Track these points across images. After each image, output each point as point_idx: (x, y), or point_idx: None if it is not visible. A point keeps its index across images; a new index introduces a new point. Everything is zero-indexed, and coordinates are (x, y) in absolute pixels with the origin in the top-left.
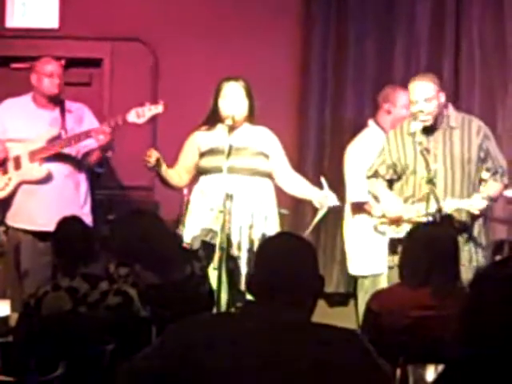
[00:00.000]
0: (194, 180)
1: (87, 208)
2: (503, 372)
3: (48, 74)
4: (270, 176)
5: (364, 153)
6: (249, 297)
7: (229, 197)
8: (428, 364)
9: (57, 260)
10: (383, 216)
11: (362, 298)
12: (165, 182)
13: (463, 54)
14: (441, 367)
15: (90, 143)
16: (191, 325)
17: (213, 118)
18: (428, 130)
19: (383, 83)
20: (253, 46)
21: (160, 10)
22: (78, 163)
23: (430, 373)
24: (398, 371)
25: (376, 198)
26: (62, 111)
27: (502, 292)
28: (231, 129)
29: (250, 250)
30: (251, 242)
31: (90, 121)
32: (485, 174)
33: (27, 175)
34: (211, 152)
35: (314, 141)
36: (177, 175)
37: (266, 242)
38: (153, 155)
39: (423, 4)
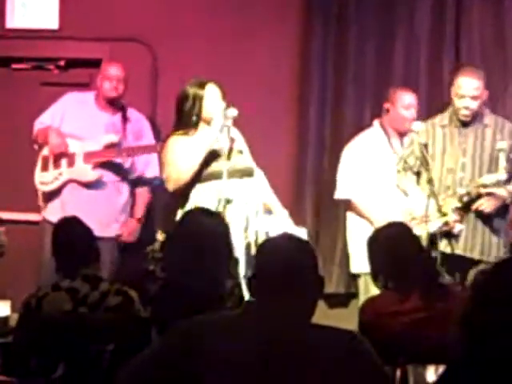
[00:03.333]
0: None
1: (122, 218)
2: (505, 373)
3: (108, 77)
4: (251, 174)
5: (359, 152)
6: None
7: (222, 201)
8: (428, 364)
9: (57, 261)
10: (413, 218)
11: (362, 297)
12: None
13: (463, 54)
14: (441, 367)
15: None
16: (191, 326)
17: (187, 123)
18: (462, 123)
19: (383, 83)
20: (252, 46)
21: (159, 11)
22: (124, 172)
23: (430, 373)
24: (398, 372)
25: (405, 193)
26: (124, 118)
27: (505, 292)
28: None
29: (247, 253)
30: (248, 245)
31: (148, 138)
32: (501, 144)
33: (78, 175)
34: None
35: (314, 141)
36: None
37: (266, 242)
38: None
39: (423, 3)
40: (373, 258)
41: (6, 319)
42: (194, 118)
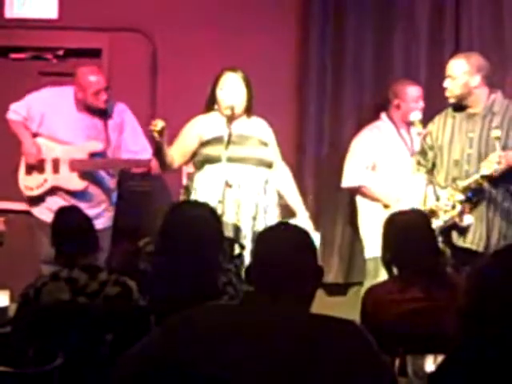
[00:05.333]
0: (186, 166)
1: (108, 210)
2: (504, 362)
3: (94, 90)
4: (270, 166)
5: (367, 143)
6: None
7: (228, 185)
8: (427, 354)
9: (56, 250)
10: None
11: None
12: (160, 157)
13: (462, 45)
14: (440, 357)
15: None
16: (190, 317)
17: (210, 107)
18: (468, 114)
19: (383, 74)
20: (252, 37)
21: (159, 1)
22: (110, 181)
23: (429, 363)
24: (397, 361)
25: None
26: (104, 116)
27: (501, 282)
28: (230, 119)
29: (253, 241)
30: (254, 233)
31: (131, 128)
32: (496, 132)
33: (64, 183)
34: (216, 141)
35: (314, 132)
36: (170, 156)
37: (264, 232)
38: (158, 124)
39: None
40: (384, 242)
41: (4, 309)
42: (208, 103)
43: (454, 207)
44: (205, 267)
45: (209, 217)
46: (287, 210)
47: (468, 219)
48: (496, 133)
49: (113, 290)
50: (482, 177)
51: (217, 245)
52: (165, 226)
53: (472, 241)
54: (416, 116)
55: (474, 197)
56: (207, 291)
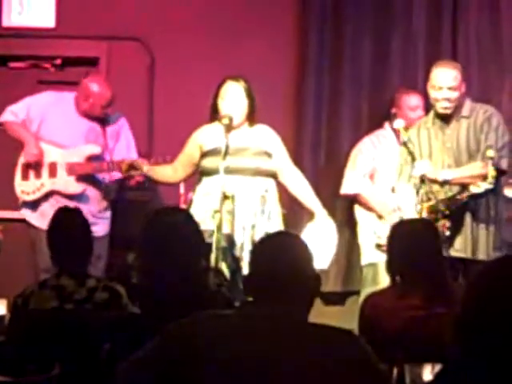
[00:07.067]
0: (191, 178)
1: (104, 215)
2: (503, 372)
3: (101, 105)
4: (273, 175)
5: (365, 152)
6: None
7: (226, 197)
8: (425, 363)
9: (53, 258)
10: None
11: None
12: (154, 181)
13: (460, 52)
14: (438, 366)
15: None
16: (188, 326)
17: (213, 117)
18: (444, 122)
19: (380, 81)
20: (250, 45)
21: (157, 10)
22: (105, 184)
23: (427, 372)
24: (395, 370)
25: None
26: (103, 124)
27: (502, 291)
28: (229, 129)
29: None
30: (254, 243)
31: (125, 141)
32: (490, 152)
33: (62, 187)
34: (213, 152)
35: (311, 139)
36: (171, 170)
37: (262, 241)
38: (123, 166)
39: (420, 1)
40: (389, 250)
41: (1, 318)
42: (211, 113)
43: (437, 220)
44: (188, 271)
45: (184, 221)
46: (306, 214)
47: (447, 232)
48: (489, 153)
49: (101, 297)
50: (471, 195)
51: (196, 248)
52: (142, 236)
53: (459, 249)
54: (399, 124)
55: (454, 208)
56: (198, 294)
